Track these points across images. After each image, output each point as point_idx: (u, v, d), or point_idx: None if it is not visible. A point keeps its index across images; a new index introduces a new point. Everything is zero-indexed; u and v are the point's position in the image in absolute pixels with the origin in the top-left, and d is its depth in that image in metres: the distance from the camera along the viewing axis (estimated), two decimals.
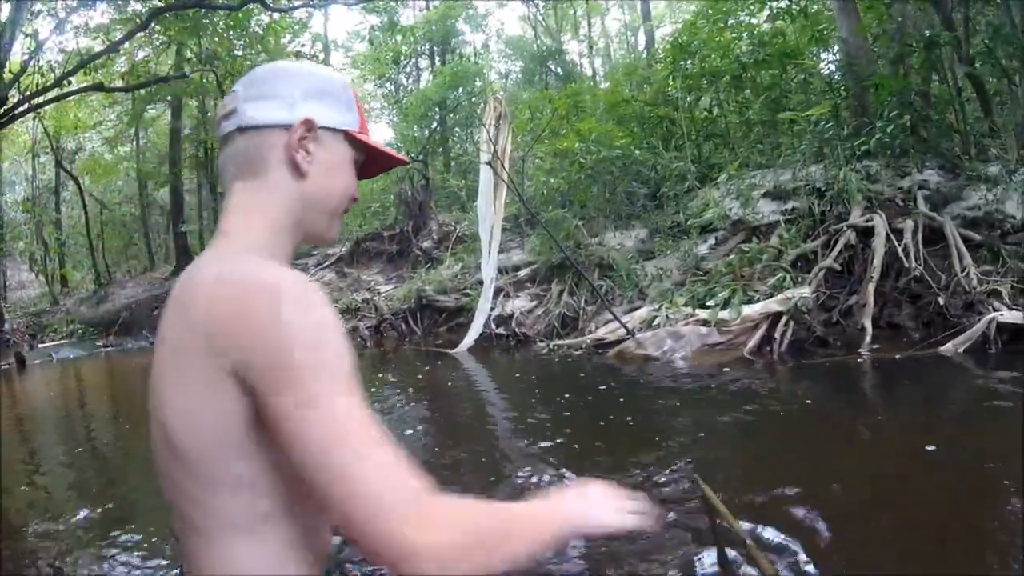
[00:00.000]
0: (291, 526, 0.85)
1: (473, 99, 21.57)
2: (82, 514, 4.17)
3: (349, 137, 1.00)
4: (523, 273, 10.98)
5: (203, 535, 0.87)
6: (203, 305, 0.81)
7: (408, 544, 0.71)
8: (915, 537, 2.83)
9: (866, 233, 7.24)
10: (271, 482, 0.82)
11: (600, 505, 0.95)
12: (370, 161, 1.07)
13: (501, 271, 10.51)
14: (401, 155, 1.11)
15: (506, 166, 10.10)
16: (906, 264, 6.68)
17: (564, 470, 4.07)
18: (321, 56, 22.25)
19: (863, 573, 2.61)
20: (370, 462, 0.74)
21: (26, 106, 12.91)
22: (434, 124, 21.41)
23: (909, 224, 6.99)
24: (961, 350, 5.69)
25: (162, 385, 0.85)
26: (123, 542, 3.60)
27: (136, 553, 3.44)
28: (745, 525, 2.83)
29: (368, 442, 0.76)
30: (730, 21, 12.58)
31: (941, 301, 6.29)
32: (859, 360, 6.04)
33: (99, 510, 4.23)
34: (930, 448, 3.69)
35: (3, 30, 13.30)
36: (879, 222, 7.10)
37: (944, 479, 3.38)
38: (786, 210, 8.43)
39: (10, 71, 14.09)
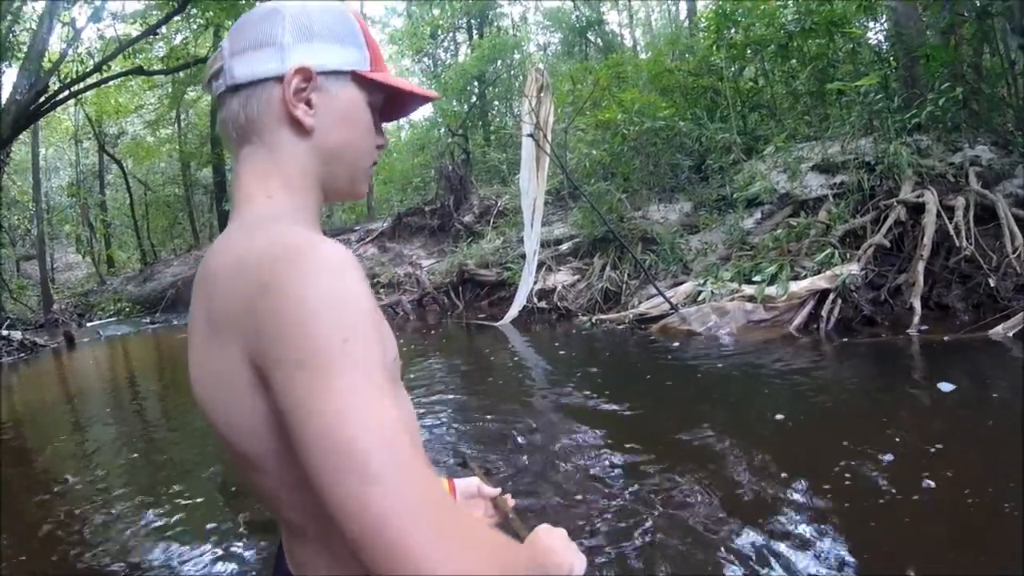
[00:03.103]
0: None
1: (512, 72, 21.48)
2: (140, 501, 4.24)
3: (359, 78, 0.88)
4: (565, 247, 11.01)
5: (292, 531, 0.84)
6: (224, 284, 0.74)
7: (416, 554, 0.60)
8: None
9: (916, 210, 7.11)
10: None
11: (566, 556, 0.89)
12: (394, 100, 0.95)
13: (543, 245, 10.54)
14: (429, 91, 0.98)
15: (548, 138, 10.09)
16: (957, 243, 6.54)
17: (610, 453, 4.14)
18: None
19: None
20: (396, 466, 0.63)
21: (67, 92, 13.15)
22: (473, 98, 21.35)
23: (960, 201, 6.85)
24: (1011, 334, 5.55)
25: (199, 375, 0.80)
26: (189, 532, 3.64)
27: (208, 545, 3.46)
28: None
29: (394, 442, 0.64)
30: None
31: (992, 282, 6.16)
32: (907, 340, 5.95)
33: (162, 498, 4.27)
34: None
35: (41, 19, 13.61)
36: (930, 198, 6.97)
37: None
38: (834, 184, 8.31)
39: (49, 59, 14.42)
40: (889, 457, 3.44)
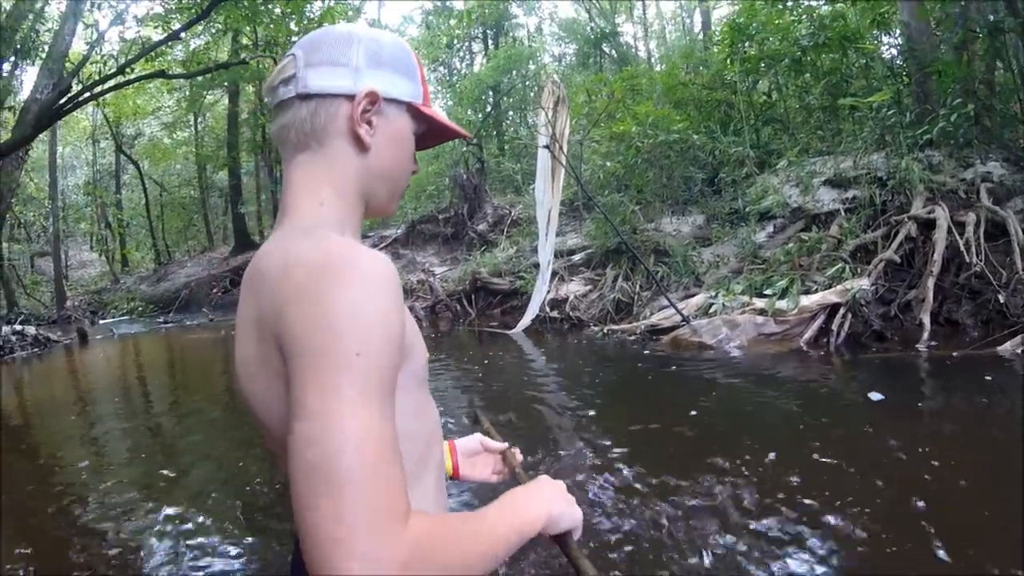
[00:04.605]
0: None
1: (527, 82, 21.60)
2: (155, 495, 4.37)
3: (412, 109, 0.98)
4: (578, 257, 11.11)
5: None
6: (272, 286, 0.79)
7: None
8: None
9: (927, 225, 7.17)
10: None
11: (556, 504, 0.92)
12: (430, 133, 1.04)
13: (556, 255, 10.63)
14: (463, 129, 1.08)
15: (564, 150, 10.19)
16: (967, 259, 6.59)
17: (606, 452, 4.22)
18: None
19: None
20: (344, 482, 0.66)
21: (88, 94, 13.34)
22: (488, 108, 21.48)
23: (971, 218, 6.90)
24: (1020, 350, 5.59)
25: (244, 369, 0.86)
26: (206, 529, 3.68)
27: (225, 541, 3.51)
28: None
29: (353, 455, 0.67)
30: (789, 2, 12.37)
31: (1001, 299, 6.21)
32: (916, 356, 6.00)
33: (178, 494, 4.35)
34: None
35: (64, 19, 13.84)
36: (941, 214, 7.03)
37: None
38: (846, 199, 8.37)
39: (71, 60, 14.66)
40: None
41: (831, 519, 3.06)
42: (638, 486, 3.69)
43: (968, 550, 2.71)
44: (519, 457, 1.34)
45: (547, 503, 0.91)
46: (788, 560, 2.77)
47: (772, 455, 3.90)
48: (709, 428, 4.74)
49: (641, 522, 3.27)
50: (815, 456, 3.85)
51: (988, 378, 5.09)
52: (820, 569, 2.68)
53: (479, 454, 1.37)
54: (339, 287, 0.74)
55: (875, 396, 4.89)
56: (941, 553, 2.68)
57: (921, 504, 3.11)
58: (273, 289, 0.79)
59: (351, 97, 0.91)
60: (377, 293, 0.76)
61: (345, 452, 0.67)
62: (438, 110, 1.04)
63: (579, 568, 0.92)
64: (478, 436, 1.38)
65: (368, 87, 0.91)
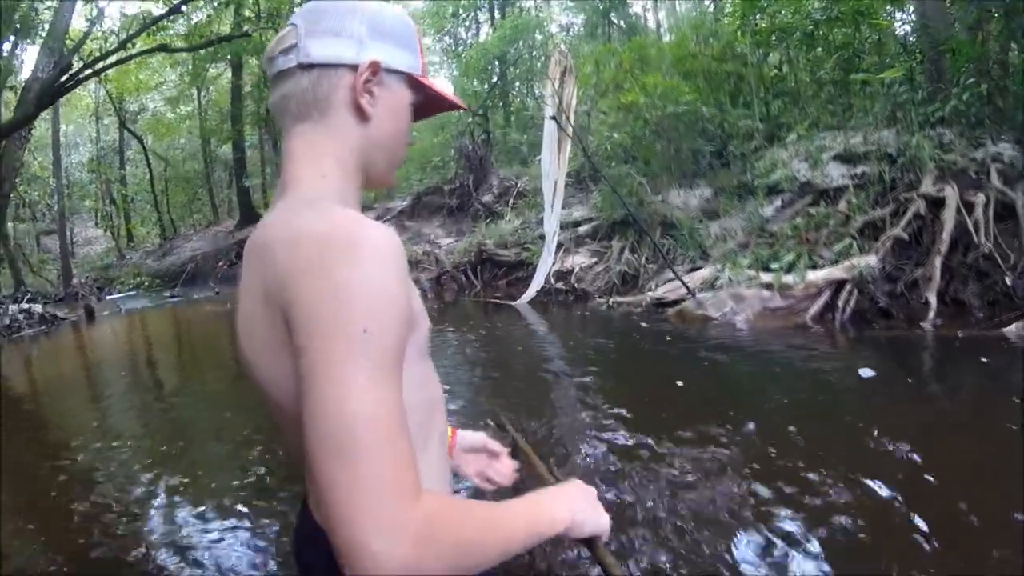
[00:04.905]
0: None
1: (533, 53, 21.37)
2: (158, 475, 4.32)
3: (411, 80, 0.99)
4: (584, 229, 11.08)
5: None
6: (278, 257, 0.80)
7: (374, 551, 0.66)
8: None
9: (936, 204, 7.13)
10: None
11: (581, 509, 0.92)
12: (426, 104, 1.04)
13: (562, 226, 10.62)
14: (459, 100, 1.08)
15: (571, 120, 10.13)
16: (975, 239, 6.57)
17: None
18: None
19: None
20: (374, 447, 0.70)
21: (90, 71, 13.24)
22: (494, 78, 21.29)
23: (981, 198, 6.86)
24: None
25: (248, 340, 0.88)
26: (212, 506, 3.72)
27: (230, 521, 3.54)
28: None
29: (380, 426, 0.71)
30: None
31: (1008, 281, 6.20)
32: (921, 335, 6.02)
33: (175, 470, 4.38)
34: None
35: None
36: (950, 193, 7.00)
37: None
38: (856, 174, 8.32)
39: (71, 38, 14.52)
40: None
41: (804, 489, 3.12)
42: (630, 447, 3.89)
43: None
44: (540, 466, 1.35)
45: (571, 506, 0.92)
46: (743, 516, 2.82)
47: (751, 425, 4.03)
48: (697, 398, 4.91)
49: (632, 483, 3.44)
50: (791, 428, 3.96)
51: (984, 360, 5.13)
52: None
53: (478, 452, 1.38)
54: (346, 261, 0.75)
55: (865, 372, 4.97)
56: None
57: (889, 490, 3.13)
58: (279, 261, 0.79)
59: (354, 67, 0.92)
60: (384, 267, 0.77)
61: (357, 427, 0.69)
62: (436, 81, 1.05)
63: (607, 572, 0.95)
64: (483, 435, 1.39)
65: (371, 57, 0.92)
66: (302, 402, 0.73)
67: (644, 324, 7.70)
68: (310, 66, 0.92)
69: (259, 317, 0.83)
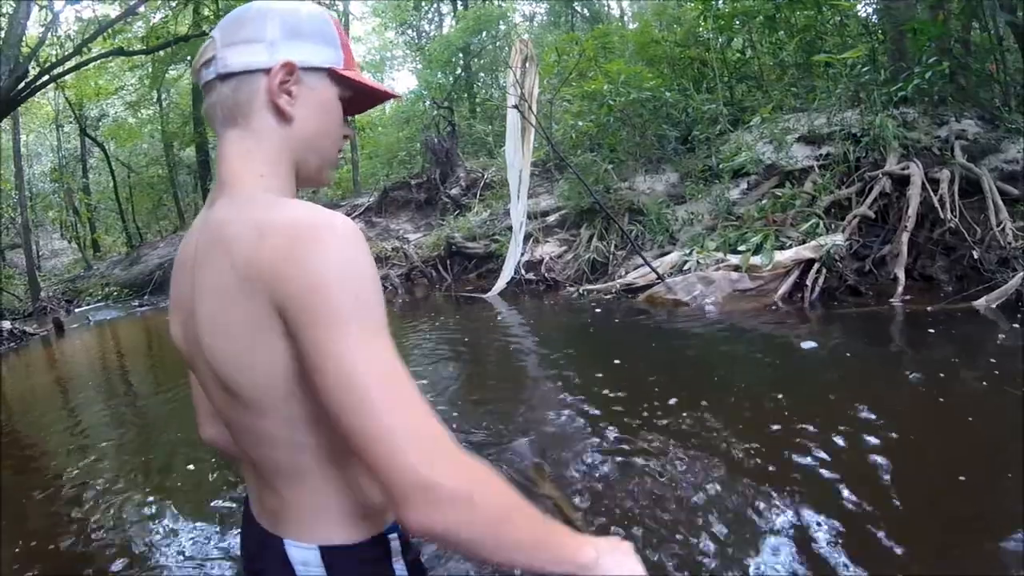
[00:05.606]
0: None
1: (497, 43, 21.27)
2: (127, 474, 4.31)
3: (334, 75, 0.98)
4: (552, 219, 10.99)
5: (272, 474, 0.93)
6: (250, 248, 0.82)
7: (423, 479, 0.72)
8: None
9: (901, 182, 7.16)
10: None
11: (608, 555, 0.86)
12: (359, 97, 1.04)
13: (530, 217, 10.53)
14: (389, 89, 1.08)
15: (534, 110, 10.04)
16: (941, 215, 6.60)
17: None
18: (340, 6, 21.90)
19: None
20: (397, 399, 0.75)
21: (47, 77, 12.90)
22: (458, 70, 21.15)
23: (945, 174, 6.89)
24: (994, 305, 5.63)
25: (210, 333, 0.88)
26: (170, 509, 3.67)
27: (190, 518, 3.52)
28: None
29: (396, 381, 0.77)
30: None
31: (975, 255, 6.23)
32: (891, 310, 6.03)
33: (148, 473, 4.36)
34: None
35: (18, 3, 13.26)
36: (915, 171, 7.02)
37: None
38: (820, 155, 8.34)
39: (27, 44, 14.10)
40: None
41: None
42: (600, 424, 4.06)
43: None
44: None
45: (599, 549, 0.87)
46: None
47: (705, 402, 4.18)
48: (666, 376, 5.04)
49: (605, 455, 3.60)
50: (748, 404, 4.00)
51: (931, 331, 5.29)
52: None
53: None
54: (323, 246, 0.79)
55: (807, 345, 5.27)
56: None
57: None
58: (250, 254, 0.82)
59: (269, 71, 0.93)
60: (356, 247, 0.81)
61: (386, 382, 0.76)
62: (365, 75, 1.04)
63: None
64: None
65: (283, 58, 0.93)
66: (316, 376, 0.78)
67: (616, 310, 7.66)
68: (229, 75, 0.93)
69: (232, 310, 0.85)
